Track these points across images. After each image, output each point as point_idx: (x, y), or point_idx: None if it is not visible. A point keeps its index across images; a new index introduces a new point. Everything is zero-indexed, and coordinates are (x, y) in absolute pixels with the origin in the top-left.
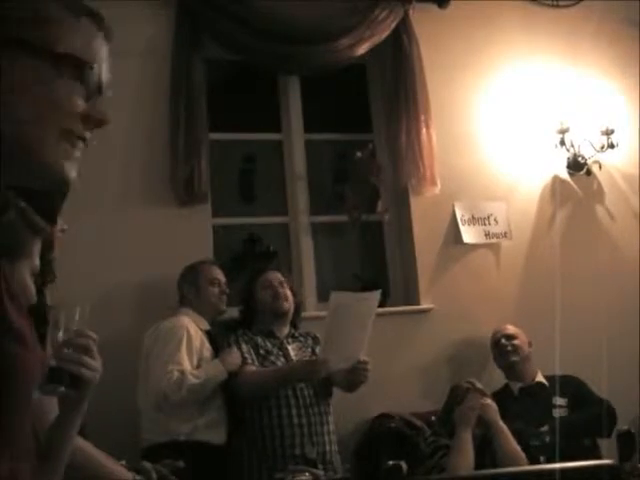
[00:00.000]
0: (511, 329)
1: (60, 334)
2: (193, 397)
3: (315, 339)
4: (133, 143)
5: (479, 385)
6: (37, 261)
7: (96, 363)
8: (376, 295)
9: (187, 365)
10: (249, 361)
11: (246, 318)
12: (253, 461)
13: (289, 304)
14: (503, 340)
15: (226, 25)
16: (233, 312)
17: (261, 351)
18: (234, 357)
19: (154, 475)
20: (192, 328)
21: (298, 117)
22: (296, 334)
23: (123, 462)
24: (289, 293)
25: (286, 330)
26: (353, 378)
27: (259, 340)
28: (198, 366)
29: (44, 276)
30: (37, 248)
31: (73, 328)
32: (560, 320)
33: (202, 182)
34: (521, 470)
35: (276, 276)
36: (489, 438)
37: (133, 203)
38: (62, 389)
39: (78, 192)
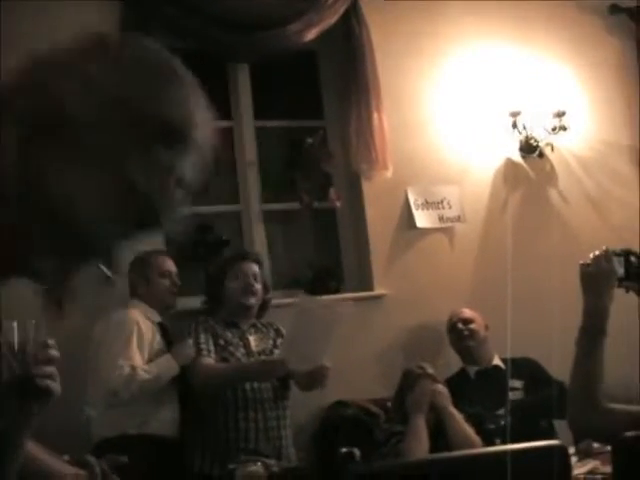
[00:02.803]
0: (467, 313)
1: (15, 345)
2: (144, 393)
3: (277, 331)
4: None
5: (430, 370)
6: None
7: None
8: (347, 306)
9: (138, 360)
10: (205, 352)
11: (210, 304)
12: (206, 454)
13: (257, 299)
14: (459, 324)
15: (173, 12)
16: (186, 302)
17: (220, 341)
18: (187, 350)
19: (98, 469)
20: (142, 321)
21: (248, 104)
22: (258, 324)
23: (66, 457)
24: (260, 288)
25: (250, 321)
26: (312, 381)
27: (219, 329)
28: (149, 360)
29: None
30: None
31: (29, 338)
32: (514, 303)
33: None
34: (469, 453)
35: (251, 268)
36: (443, 423)
37: None
38: (29, 404)
39: None
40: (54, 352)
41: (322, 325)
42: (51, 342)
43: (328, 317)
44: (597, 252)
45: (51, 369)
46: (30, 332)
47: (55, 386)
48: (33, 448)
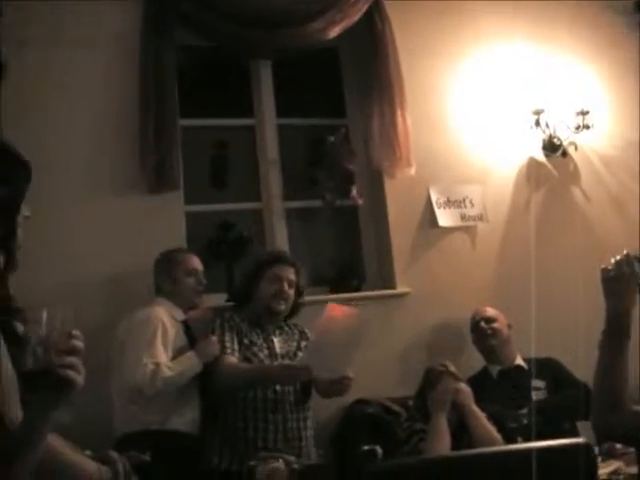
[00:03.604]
0: (490, 312)
1: (43, 334)
2: (167, 389)
3: (302, 333)
4: (102, 130)
5: (452, 368)
6: None
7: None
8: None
9: (162, 357)
10: (229, 351)
11: (240, 300)
12: (225, 451)
13: (287, 307)
14: (482, 323)
15: (195, 10)
16: (207, 299)
17: (245, 340)
18: (211, 347)
19: (120, 466)
20: (167, 319)
21: (270, 102)
22: (284, 326)
23: (88, 452)
24: (292, 293)
25: (276, 323)
26: (333, 389)
27: (245, 328)
28: (173, 358)
29: (5, 265)
30: None
31: (57, 328)
32: (537, 302)
33: (173, 168)
34: (492, 450)
35: (287, 273)
36: (465, 422)
37: (103, 191)
38: (51, 394)
39: (46, 180)
40: (78, 343)
41: (349, 334)
42: (76, 333)
43: (355, 326)
44: (618, 257)
45: (73, 359)
46: (57, 322)
47: (77, 377)
48: (57, 442)
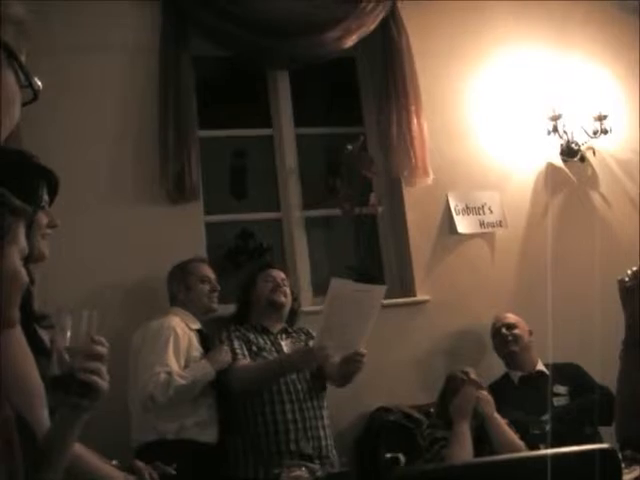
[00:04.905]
0: (512, 318)
1: (68, 339)
2: (180, 398)
3: (308, 334)
4: (122, 141)
5: (474, 376)
6: (24, 244)
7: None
8: (381, 289)
9: (174, 366)
10: (240, 357)
11: (241, 312)
12: (249, 458)
13: (287, 300)
14: (504, 330)
15: (212, 20)
16: (227, 309)
17: (253, 347)
18: (224, 355)
19: (147, 475)
20: (180, 328)
21: (288, 111)
22: (289, 330)
23: (115, 462)
24: (288, 291)
25: (280, 326)
26: (347, 369)
27: (251, 336)
28: (186, 367)
29: None
30: (22, 231)
31: (81, 333)
32: (557, 308)
33: (193, 179)
34: (516, 457)
35: (279, 273)
36: (486, 430)
37: (124, 201)
38: (76, 399)
39: (66, 190)
40: (101, 348)
41: (357, 310)
42: (99, 338)
43: (363, 301)
44: (635, 267)
45: (96, 364)
46: (82, 327)
47: (100, 382)
48: (84, 451)
